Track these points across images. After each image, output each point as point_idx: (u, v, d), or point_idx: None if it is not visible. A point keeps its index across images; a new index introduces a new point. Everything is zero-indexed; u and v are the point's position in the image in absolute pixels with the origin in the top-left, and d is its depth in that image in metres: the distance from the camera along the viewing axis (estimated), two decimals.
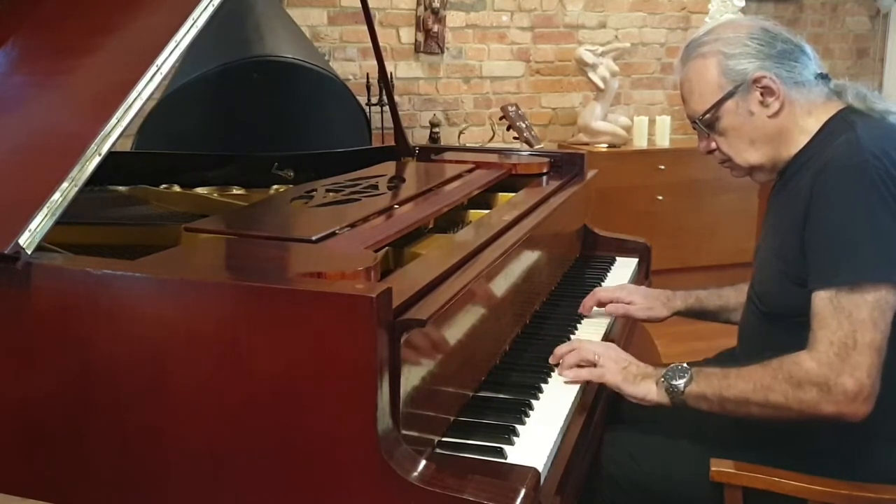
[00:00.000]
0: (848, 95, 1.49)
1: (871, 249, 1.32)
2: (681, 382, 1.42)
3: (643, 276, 2.41)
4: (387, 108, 3.46)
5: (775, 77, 1.46)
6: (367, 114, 3.53)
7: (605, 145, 4.35)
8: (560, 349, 1.59)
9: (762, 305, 1.52)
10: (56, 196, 1.23)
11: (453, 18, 4.34)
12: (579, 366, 1.54)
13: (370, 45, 2.45)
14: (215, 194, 2.16)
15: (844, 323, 1.30)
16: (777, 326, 1.46)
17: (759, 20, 1.54)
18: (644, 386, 1.47)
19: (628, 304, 1.86)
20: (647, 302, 1.85)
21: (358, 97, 3.39)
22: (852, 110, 1.47)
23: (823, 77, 1.52)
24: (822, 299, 1.33)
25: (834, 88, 1.51)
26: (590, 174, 2.45)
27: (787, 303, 1.42)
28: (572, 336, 1.75)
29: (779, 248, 1.47)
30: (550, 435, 1.32)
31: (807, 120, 1.48)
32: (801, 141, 1.48)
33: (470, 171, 2.19)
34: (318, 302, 1.07)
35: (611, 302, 1.88)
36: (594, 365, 1.53)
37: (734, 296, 1.79)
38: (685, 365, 1.46)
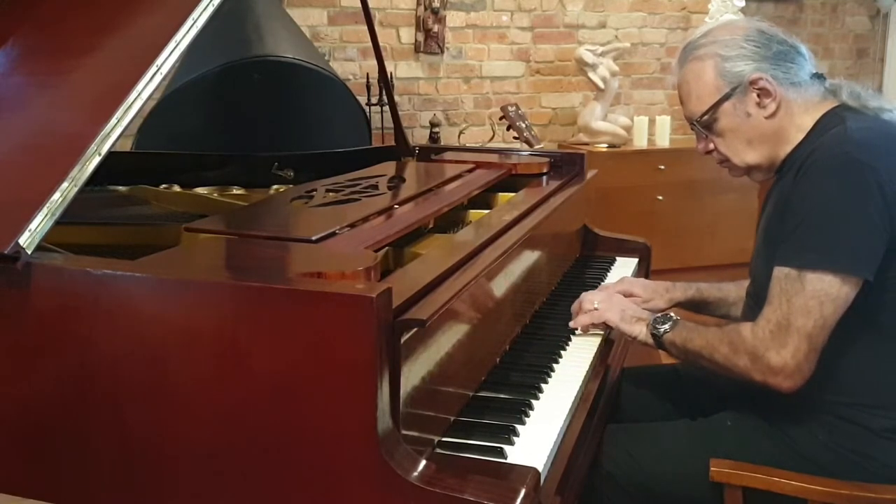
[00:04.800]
0: (843, 94, 1.51)
1: (828, 239, 1.35)
2: (662, 328, 1.58)
3: (643, 276, 2.41)
4: (387, 108, 3.46)
5: (772, 78, 1.48)
6: (367, 114, 3.53)
7: (605, 145, 4.35)
8: (574, 306, 1.79)
9: (756, 298, 1.53)
10: (56, 196, 1.23)
11: (453, 18, 4.34)
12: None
13: (370, 45, 2.45)
14: (215, 194, 2.16)
15: (784, 304, 1.37)
16: None
17: (755, 22, 1.55)
18: (637, 326, 1.64)
19: (627, 297, 1.86)
20: (647, 294, 1.85)
21: (358, 97, 3.39)
22: (846, 107, 1.48)
23: (819, 77, 1.53)
24: (775, 277, 1.40)
25: (829, 88, 1.53)
26: (590, 174, 2.45)
27: None
28: (573, 336, 1.75)
29: (768, 241, 1.48)
30: (550, 435, 1.32)
31: (803, 118, 1.50)
32: (797, 139, 1.50)
33: (470, 171, 2.19)
34: (318, 302, 1.07)
35: None
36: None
37: (734, 290, 1.81)
38: (672, 314, 1.60)
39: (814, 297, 1.34)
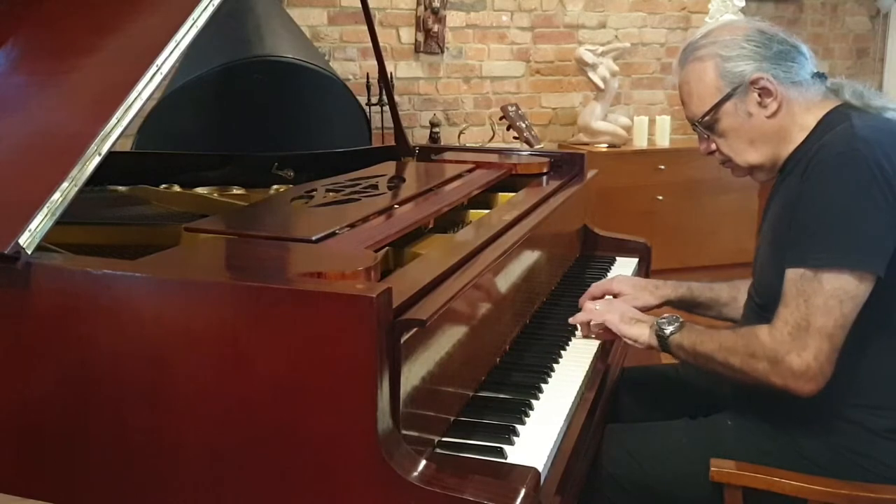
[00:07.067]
0: (845, 93, 1.51)
1: (841, 237, 1.34)
2: (669, 329, 1.54)
3: (643, 276, 2.41)
4: (387, 108, 3.46)
5: (772, 78, 1.47)
6: (367, 114, 3.53)
7: (605, 145, 4.35)
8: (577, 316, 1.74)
9: (758, 297, 1.54)
10: (56, 196, 1.23)
11: (453, 18, 4.34)
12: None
13: (370, 45, 2.45)
14: (215, 194, 2.16)
15: (802, 306, 1.35)
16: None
17: (756, 21, 1.55)
18: (638, 328, 1.61)
19: (616, 295, 1.86)
20: (635, 292, 1.85)
21: (358, 97, 3.39)
22: (849, 106, 1.48)
23: (820, 76, 1.53)
24: (789, 279, 1.38)
25: (831, 87, 1.53)
26: (590, 174, 2.45)
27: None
28: (573, 336, 1.74)
29: (775, 240, 1.48)
30: (551, 435, 1.32)
31: (805, 118, 1.50)
32: (800, 138, 1.50)
33: (470, 171, 2.19)
34: (318, 302, 1.07)
35: (602, 295, 1.87)
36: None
37: (727, 290, 1.81)
38: (678, 316, 1.56)
39: (833, 295, 1.33)
